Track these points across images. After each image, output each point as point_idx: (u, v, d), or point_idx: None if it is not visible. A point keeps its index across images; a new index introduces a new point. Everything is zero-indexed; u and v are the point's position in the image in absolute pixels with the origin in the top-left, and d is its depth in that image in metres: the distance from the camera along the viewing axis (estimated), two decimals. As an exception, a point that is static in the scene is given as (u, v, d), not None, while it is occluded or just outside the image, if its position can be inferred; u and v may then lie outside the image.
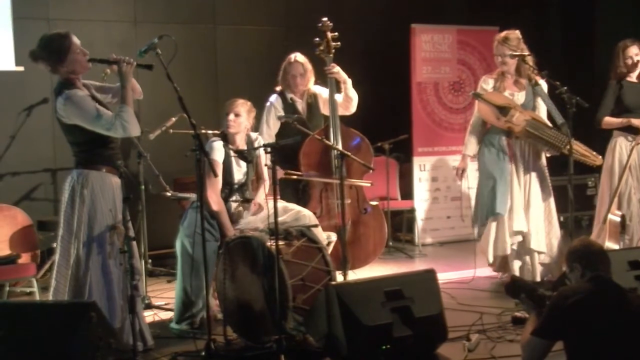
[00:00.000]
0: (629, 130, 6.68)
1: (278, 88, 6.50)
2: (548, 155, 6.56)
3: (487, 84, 6.51)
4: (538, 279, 6.45)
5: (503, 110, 6.30)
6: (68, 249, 4.73)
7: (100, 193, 4.75)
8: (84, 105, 4.65)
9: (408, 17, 8.83)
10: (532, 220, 6.41)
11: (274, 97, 6.45)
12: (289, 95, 6.45)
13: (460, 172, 6.69)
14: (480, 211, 6.55)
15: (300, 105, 6.48)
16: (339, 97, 6.46)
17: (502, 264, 6.60)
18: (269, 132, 6.35)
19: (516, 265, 6.48)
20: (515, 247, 6.45)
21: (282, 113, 6.27)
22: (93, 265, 4.70)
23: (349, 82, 6.46)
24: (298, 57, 6.43)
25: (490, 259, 6.52)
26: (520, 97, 6.44)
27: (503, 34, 6.45)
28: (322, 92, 6.53)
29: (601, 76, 9.50)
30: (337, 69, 6.40)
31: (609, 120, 6.69)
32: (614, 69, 6.78)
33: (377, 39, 9.15)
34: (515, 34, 6.42)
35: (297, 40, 8.68)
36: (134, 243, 4.85)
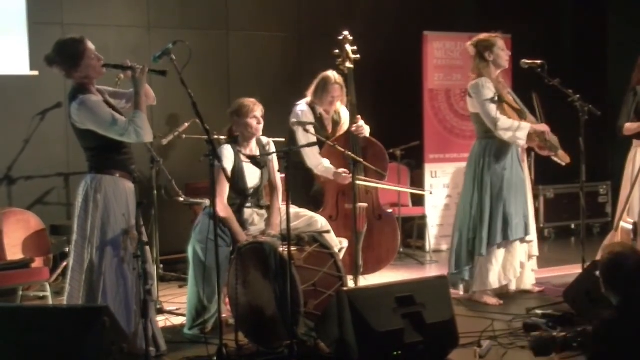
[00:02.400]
0: None
1: (308, 99, 6.51)
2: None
3: (489, 87, 6.14)
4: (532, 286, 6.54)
5: (521, 113, 6.21)
6: (82, 253, 4.74)
7: (113, 198, 4.76)
8: (98, 111, 4.67)
9: (420, 24, 8.86)
10: (533, 225, 6.45)
11: (305, 107, 6.46)
12: (319, 110, 6.48)
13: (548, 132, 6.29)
14: (491, 231, 6.21)
15: (327, 120, 6.54)
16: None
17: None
18: (307, 137, 6.14)
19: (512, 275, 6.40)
20: (520, 257, 6.35)
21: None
22: (107, 270, 4.71)
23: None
24: (336, 77, 6.43)
25: (490, 287, 6.27)
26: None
27: (485, 34, 6.30)
28: (344, 112, 6.59)
29: (613, 84, 9.52)
30: (361, 126, 6.43)
31: (629, 127, 6.68)
32: (633, 77, 6.78)
33: (389, 46, 9.16)
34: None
35: (310, 46, 8.74)
36: (147, 248, 4.86)
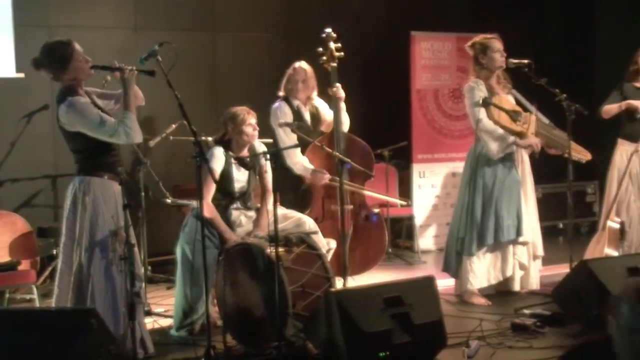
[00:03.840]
0: (632, 137, 6.71)
1: (281, 94, 6.56)
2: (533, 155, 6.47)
3: (481, 89, 6.15)
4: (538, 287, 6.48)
5: (516, 114, 6.16)
6: (70, 256, 4.73)
7: (102, 200, 4.75)
8: (87, 112, 4.66)
9: (408, 24, 8.85)
10: (534, 227, 6.42)
11: (280, 103, 6.49)
12: (295, 102, 6.50)
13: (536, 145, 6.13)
14: (482, 231, 6.16)
15: (305, 113, 6.55)
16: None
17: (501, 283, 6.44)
18: (288, 136, 6.27)
19: (517, 275, 6.38)
20: (519, 258, 6.33)
21: (289, 119, 6.30)
22: (95, 272, 4.70)
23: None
24: (302, 64, 6.52)
25: (477, 286, 6.24)
26: (511, 99, 6.38)
27: (482, 36, 6.27)
28: (323, 106, 6.63)
29: (600, 84, 9.55)
30: (341, 93, 6.50)
31: (608, 108, 6.70)
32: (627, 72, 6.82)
33: (377, 46, 9.17)
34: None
35: (297, 47, 8.72)
36: (135, 249, 4.85)
